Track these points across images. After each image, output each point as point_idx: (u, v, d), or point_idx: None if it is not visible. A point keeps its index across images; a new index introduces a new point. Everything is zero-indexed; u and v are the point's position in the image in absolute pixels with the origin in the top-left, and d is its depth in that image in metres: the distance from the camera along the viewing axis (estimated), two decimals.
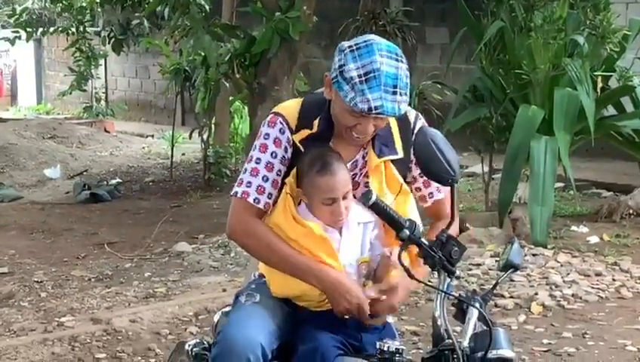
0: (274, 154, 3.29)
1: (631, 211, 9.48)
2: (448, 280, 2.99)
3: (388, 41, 3.24)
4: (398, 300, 3.24)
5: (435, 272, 3.01)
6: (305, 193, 3.24)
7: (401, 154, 3.33)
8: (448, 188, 3.25)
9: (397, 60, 3.17)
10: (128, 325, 6.59)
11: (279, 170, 3.30)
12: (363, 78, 3.09)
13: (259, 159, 3.30)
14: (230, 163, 12.78)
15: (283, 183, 3.30)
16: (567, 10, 9.63)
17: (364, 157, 3.33)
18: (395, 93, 3.11)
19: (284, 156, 3.30)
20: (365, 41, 3.18)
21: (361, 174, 3.33)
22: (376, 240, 3.26)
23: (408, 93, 3.18)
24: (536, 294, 7.09)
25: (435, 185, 3.42)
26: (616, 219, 9.40)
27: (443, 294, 2.97)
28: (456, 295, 3.02)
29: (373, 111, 3.09)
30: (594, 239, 8.77)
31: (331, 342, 3.10)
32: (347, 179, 3.18)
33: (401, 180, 3.33)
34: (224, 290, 7.44)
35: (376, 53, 3.13)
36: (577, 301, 7.10)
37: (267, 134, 3.31)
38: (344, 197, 3.15)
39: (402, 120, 3.37)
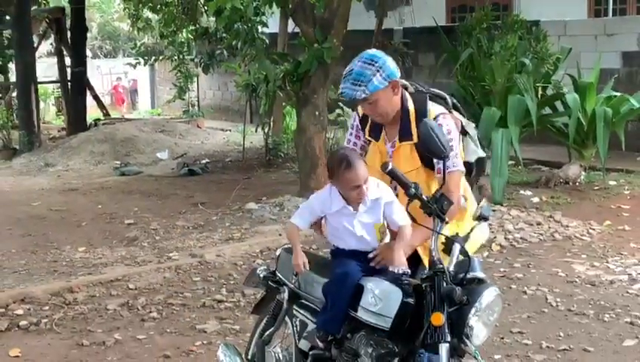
0: (350, 133, 3.51)
1: (561, 180, 9.40)
2: (440, 224, 2.98)
3: (375, 52, 3.29)
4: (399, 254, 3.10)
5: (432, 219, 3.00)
6: (336, 183, 3.17)
7: (415, 140, 3.28)
8: None
9: (369, 64, 3.21)
10: (215, 258, 6.66)
11: (349, 139, 3.50)
12: (344, 76, 3.24)
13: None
14: (283, 148, 12.75)
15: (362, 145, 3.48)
16: (517, 41, 9.57)
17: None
18: (354, 84, 3.18)
19: (352, 132, 3.49)
20: (365, 52, 3.28)
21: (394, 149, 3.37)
22: (390, 213, 3.17)
23: (370, 86, 3.18)
24: (495, 237, 7.09)
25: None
26: (551, 185, 9.33)
27: (436, 234, 2.96)
28: (446, 234, 3.01)
29: (341, 95, 3.24)
30: (536, 199, 8.71)
31: (357, 268, 3.11)
32: (365, 170, 3.09)
33: (418, 163, 3.29)
34: (280, 235, 7.46)
35: (357, 60, 3.24)
36: (524, 242, 7.09)
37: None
38: (365, 182, 3.10)
39: (421, 114, 3.32)
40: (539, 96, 9.50)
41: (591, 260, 6.54)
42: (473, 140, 3.51)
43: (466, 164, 3.41)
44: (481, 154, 3.51)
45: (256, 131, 13.24)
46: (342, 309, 3.08)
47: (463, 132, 3.47)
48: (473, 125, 3.58)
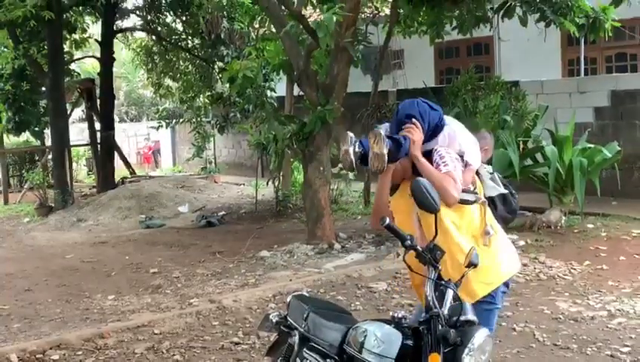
0: None
1: (544, 224, 9.39)
2: (434, 272, 2.99)
3: None
4: None
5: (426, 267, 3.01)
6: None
7: None
8: None
9: None
10: (232, 303, 6.62)
11: None
12: None
13: None
14: (292, 200, 12.80)
15: None
16: (499, 100, 9.66)
17: None
18: None
19: None
20: None
21: None
22: None
23: None
24: None
25: None
26: (535, 229, 9.31)
27: (431, 281, 2.98)
28: (440, 281, 3.01)
29: None
30: (521, 242, 8.68)
31: None
32: None
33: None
34: (290, 280, 7.46)
35: None
36: (512, 282, 6.95)
37: None
38: None
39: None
40: (520, 149, 9.56)
41: (573, 298, 6.50)
42: (493, 180, 3.69)
43: (488, 199, 3.55)
44: (502, 190, 3.58)
45: (267, 185, 13.30)
46: None
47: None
48: (487, 166, 3.72)
